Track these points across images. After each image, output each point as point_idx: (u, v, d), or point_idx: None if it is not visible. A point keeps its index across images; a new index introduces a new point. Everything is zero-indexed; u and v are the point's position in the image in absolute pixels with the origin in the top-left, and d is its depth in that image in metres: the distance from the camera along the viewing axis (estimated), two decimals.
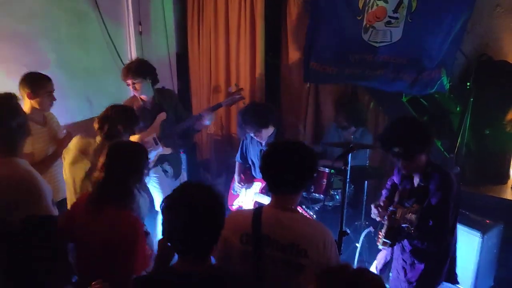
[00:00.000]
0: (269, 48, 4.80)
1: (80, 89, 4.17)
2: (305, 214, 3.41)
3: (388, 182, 2.97)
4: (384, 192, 2.95)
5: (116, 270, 2.02)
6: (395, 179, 2.88)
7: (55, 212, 2.31)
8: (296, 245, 1.82)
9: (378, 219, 2.75)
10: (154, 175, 3.83)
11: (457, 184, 2.45)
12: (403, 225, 2.38)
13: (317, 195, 3.99)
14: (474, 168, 4.27)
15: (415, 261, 2.54)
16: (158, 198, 3.85)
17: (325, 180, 3.99)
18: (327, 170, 4.01)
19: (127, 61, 4.56)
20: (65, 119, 3.67)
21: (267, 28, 4.68)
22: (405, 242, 2.56)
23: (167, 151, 3.80)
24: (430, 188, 2.44)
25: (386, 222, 2.55)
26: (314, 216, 3.74)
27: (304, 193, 4.05)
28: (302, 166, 1.90)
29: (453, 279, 2.62)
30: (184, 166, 4.63)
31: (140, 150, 2.29)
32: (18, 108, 2.33)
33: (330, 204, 4.12)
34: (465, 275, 3.19)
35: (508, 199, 3.93)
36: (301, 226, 1.90)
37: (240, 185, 4.02)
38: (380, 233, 2.74)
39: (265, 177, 1.98)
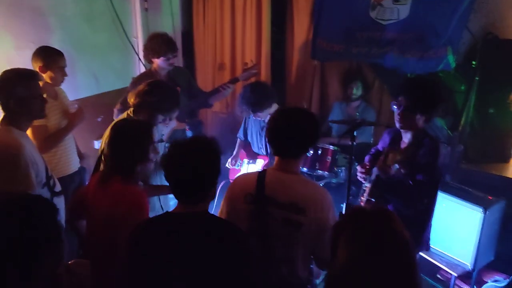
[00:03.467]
0: (275, 25, 4.79)
1: (86, 66, 4.19)
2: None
3: (372, 150, 3.00)
4: (367, 157, 2.95)
5: (118, 245, 2.00)
6: (380, 146, 2.90)
7: (35, 188, 2.34)
8: (295, 203, 1.98)
9: (363, 179, 2.76)
10: None
11: (445, 158, 2.48)
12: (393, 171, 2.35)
13: (321, 172, 4.05)
14: (477, 146, 4.30)
15: None
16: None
17: (329, 157, 4.03)
18: (331, 147, 4.06)
19: (133, 38, 4.60)
20: (72, 95, 3.69)
21: (273, 5, 4.66)
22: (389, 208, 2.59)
23: (180, 126, 3.84)
24: (420, 151, 2.45)
25: (369, 184, 2.64)
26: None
27: (308, 171, 4.13)
28: (305, 131, 2.04)
29: (428, 246, 2.74)
30: None
31: (143, 127, 2.31)
32: (29, 86, 2.38)
33: (334, 181, 4.18)
34: (466, 249, 3.26)
35: (511, 178, 3.99)
36: (301, 187, 2.05)
37: (232, 161, 4.09)
38: (362, 197, 2.77)
39: (269, 141, 2.11)
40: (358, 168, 2.79)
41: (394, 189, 2.44)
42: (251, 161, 4.04)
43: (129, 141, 2.20)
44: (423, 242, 2.72)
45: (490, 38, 4.13)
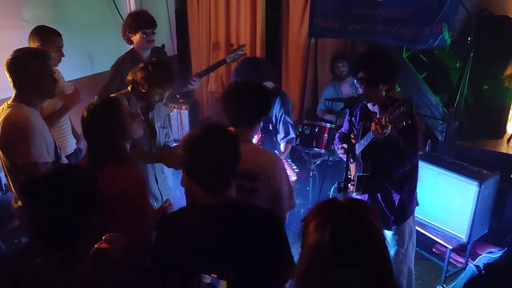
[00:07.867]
0: (269, 3, 4.76)
1: (80, 46, 4.13)
2: (289, 167, 3.55)
3: (337, 135, 3.03)
4: (337, 142, 2.96)
5: (122, 231, 1.89)
6: (345, 129, 2.98)
7: (49, 160, 2.37)
8: (249, 170, 2.08)
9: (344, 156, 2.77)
10: None
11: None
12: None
13: (317, 149, 4.09)
14: (472, 122, 4.36)
15: (392, 191, 2.67)
16: None
17: (326, 135, 4.07)
18: (328, 125, 4.09)
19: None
20: (66, 76, 3.65)
21: None
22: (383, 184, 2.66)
23: (169, 110, 3.82)
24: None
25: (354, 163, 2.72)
26: (297, 170, 3.74)
27: (306, 149, 4.16)
28: (254, 104, 2.19)
29: (417, 202, 2.86)
30: (186, 124, 4.68)
31: (108, 106, 2.17)
32: (41, 64, 2.37)
33: (331, 159, 4.21)
34: (461, 222, 3.32)
35: (504, 153, 4.05)
36: (254, 154, 2.16)
37: None
38: (351, 186, 2.79)
39: (223, 113, 2.21)
40: (339, 150, 2.86)
41: (389, 149, 2.45)
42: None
43: (102, 128, 2.08)
44: (415, 200, 2.81)
45: (484, 14, 4.14)
